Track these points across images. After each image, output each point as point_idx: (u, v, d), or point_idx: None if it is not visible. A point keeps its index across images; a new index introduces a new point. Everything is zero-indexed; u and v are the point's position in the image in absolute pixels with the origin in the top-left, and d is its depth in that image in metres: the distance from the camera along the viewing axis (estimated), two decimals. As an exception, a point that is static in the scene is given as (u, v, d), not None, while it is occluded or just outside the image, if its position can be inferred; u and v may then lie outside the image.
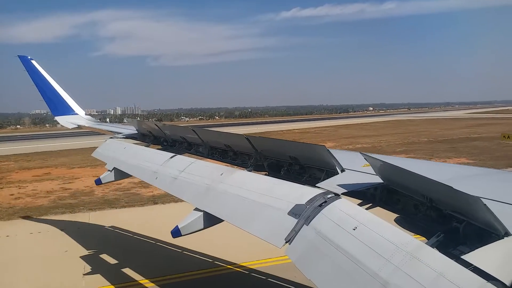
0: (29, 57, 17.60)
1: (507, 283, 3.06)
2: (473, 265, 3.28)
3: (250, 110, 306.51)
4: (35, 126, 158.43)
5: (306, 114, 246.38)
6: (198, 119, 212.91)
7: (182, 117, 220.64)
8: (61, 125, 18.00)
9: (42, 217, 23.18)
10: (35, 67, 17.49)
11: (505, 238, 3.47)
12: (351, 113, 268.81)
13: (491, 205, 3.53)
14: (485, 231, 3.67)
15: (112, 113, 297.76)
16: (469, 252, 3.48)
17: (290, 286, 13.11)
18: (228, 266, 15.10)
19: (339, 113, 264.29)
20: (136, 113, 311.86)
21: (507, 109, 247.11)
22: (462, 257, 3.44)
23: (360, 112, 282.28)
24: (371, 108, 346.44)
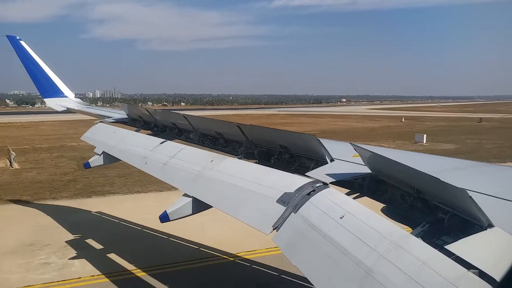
0: (17, 37, 17.21)
1: (488, 273, 3.14)
2: (455, 254, 3.35)
3: (231, 97, 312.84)
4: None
5: (277, 104, 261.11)
6: (162, 105, 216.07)
7: (149, 102, 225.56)
8: (50, 107, 17.74)
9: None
10: (24, 48, 17.12)
11: (487, 229, 3.55)
12: (316, 104, 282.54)
13: (476, 197, 3.59)
14: (469, 222, 3.75)
15: (91, 96, 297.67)
16: (452, 242, 3.55)
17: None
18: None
19: (311, 103, 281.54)
20: (116, 96, 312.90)
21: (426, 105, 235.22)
22: (445, 247, 3.51)
23: (326, 104, 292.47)
24: (344, 100, 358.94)
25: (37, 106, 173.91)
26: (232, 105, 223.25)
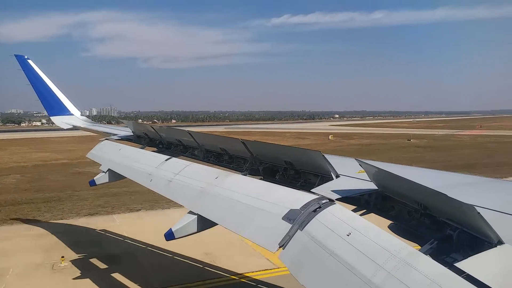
0: (25, 57, 17.51)
1: None
2: (466, 272, 3.28)
3: (227, 114, 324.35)
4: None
5: (269, 120, 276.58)
6: (151, 122, 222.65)
7: (139, 120, 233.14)
8: (56, 125, 17.90)
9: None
10: (31, 67, 17.39)
11: (498, 246, 3.48)
12: (307, 120, 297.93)
13: (484, 213, 3.54)
14: (478, 239, 3.68)
15: (87, 114, 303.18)
16: (462, 260, 3.48)
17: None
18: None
19: (304, 119, 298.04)
20: (112, 114, 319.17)
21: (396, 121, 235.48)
22: (455, 264, 3.44)
23: (319, 119, 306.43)
24: (337, 116, 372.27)
25: (23, 124, 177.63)
26: (224, 122, 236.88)
